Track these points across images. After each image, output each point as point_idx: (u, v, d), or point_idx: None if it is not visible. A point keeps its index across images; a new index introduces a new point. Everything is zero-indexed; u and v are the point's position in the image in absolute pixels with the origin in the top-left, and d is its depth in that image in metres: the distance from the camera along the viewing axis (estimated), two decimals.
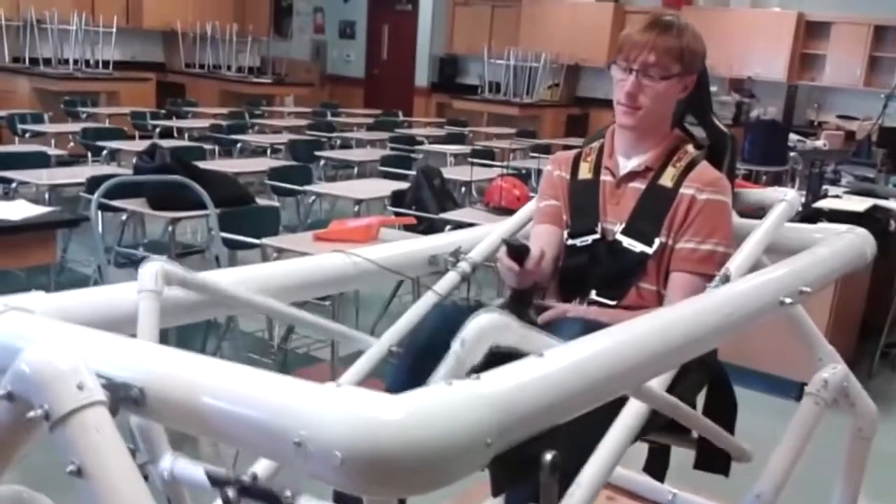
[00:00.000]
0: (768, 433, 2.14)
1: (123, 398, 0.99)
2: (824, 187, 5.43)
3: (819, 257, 2.08)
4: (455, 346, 1.23)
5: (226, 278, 1.81)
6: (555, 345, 1.31)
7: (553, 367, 1.18)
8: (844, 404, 2.37)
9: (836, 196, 5.44)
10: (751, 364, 4.24)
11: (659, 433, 2.14)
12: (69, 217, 3.52)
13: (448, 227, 4.99)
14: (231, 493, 1.25)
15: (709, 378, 2.13)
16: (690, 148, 2.19)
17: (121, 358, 1.06)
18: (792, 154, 5.95)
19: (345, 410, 0.94)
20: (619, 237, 2.12)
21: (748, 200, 2.39)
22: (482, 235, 2.46)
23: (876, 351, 5.27)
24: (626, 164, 2.18)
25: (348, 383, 2.01)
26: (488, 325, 1.21)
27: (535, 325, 1.93)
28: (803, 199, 5.08)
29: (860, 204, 5.16)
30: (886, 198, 5.66)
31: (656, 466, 2.32)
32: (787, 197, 2.27)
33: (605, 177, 2.21)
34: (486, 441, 0.99)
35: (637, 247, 2.10)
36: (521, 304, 2.00)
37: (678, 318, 1.54)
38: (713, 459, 2.10)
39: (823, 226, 2.44)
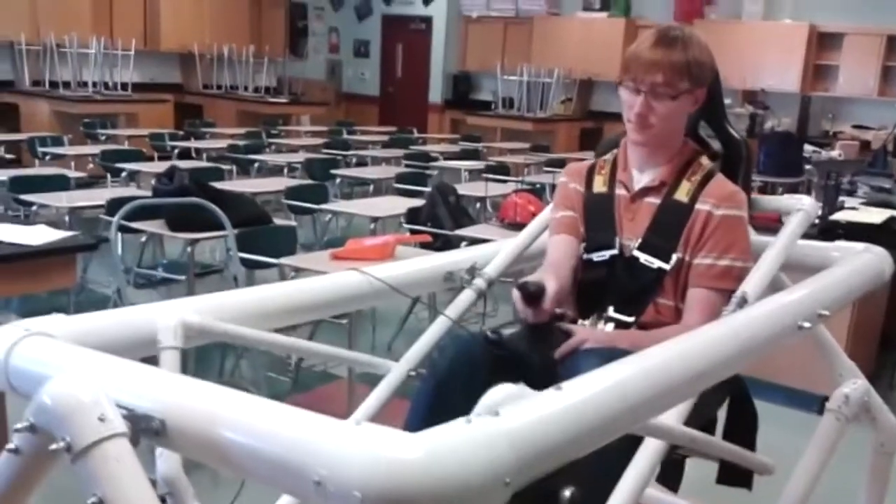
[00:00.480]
0: (790, 447, 2.14)
1: (144, 429, 0.99)
2: (841, 199, 5.40)
3: (837, 279, 2.07)
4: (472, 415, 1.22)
5: (244, 298, 1.83)
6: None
7: (571, 400, 1.18)
8: (866, 419, 2.36)
9: (853, 208, 5.41)
10: (772, 378, 4.22)
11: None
12: (89, 242, 3.54)
13: (464, 243, 5.00)
14: None
15: (729, 393, 2.12)
16: (705, 160, 2.18)
17: (142, 388, 1.07)
18: (808, 167, 5.92)
19: (364, 450, 0.94)
20: (637, 253, 2.11)
21: (765, 207, 2.37)
22: (497, 251, 2.45)
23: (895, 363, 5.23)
24: (640, 179, 2.17)
25: (369, 411, 2.04)
26: (502, 399, 1.21)
27: (551, 356, 1.94)
28: (820, 212, 5.06)
29: (877, 216, 5.13)
30: None
31: (670, 477, 2.30)
32: (803, 205, 2.24)
33: (620, 191, 2.19)
34: (504, 480, 0.99)
35: (654, 263, 2.09)
36: (538, 335, 1.99)
37: (695, 347, 1.53)
38: (736, 473, 2.09)
39: (841, 244, 2.41)
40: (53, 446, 0.94)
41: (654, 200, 2.14)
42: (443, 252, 2.67)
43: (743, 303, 1.90)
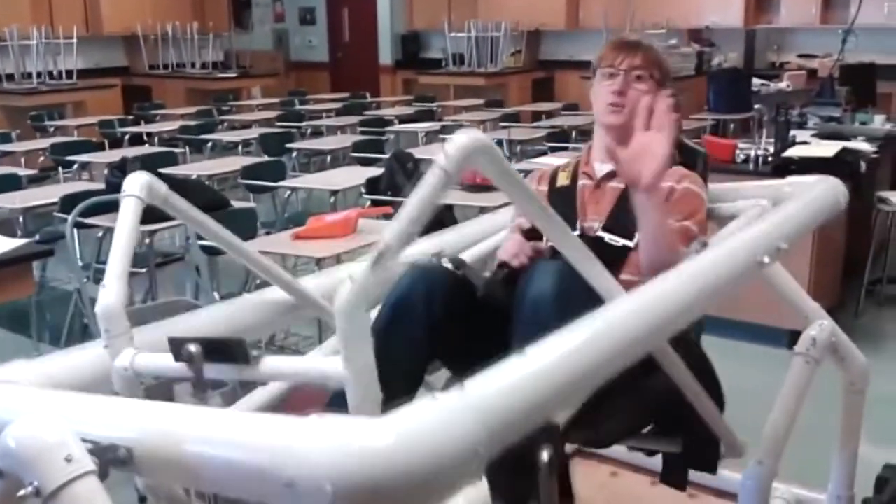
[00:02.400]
0: (761, 385, 2.16)
1: (112, 460, 0.98)
2: (792, 132, 5.43)
3: (793, 212, 2.09)
4: (438, 160, 1.27)
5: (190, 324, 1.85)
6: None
7: (534, 367, 1.17)
8: (834, 360, 2.39)
9: (805, 142, 5.45)
10: (738, 315, 4.24)
11: (644, 439, 2.16)
12: (43, 249, 3.47)
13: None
14: None
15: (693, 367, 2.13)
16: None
17: (106, 419, 1.06)
18: (757, 106, 5.94)
19: (329, 443, 0.92)
20: (601, 233, 2.17)
21: (723, 214, 2.40)
22: (459, 239, 2.47)
23: (860, 290, 5.32)
24: (603, 168, 2.26)
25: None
26: (471, 144, 1.21)
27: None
28: (772, 149, 5.10)
29: (829, 149, 5.17)
30: (854, 137, 5.68)
31: (676, 476, 2.30)
32: (761, 203, 2.31)
33: (583, 181, 2.28)
34: (476, 450, 0.98)
35: (619, 241, 2.14)
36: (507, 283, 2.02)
37: (658, 296, 1.53)
38: (700, 457, 2.11)
39: (794, 179, 2.44)
40: (21, 492, 0.93)
41: (618, 184, 2.21)
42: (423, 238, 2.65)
43: (703, 246, 1.92)
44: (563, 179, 2.34)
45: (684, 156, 2.39)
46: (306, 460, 0.92)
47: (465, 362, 2.04)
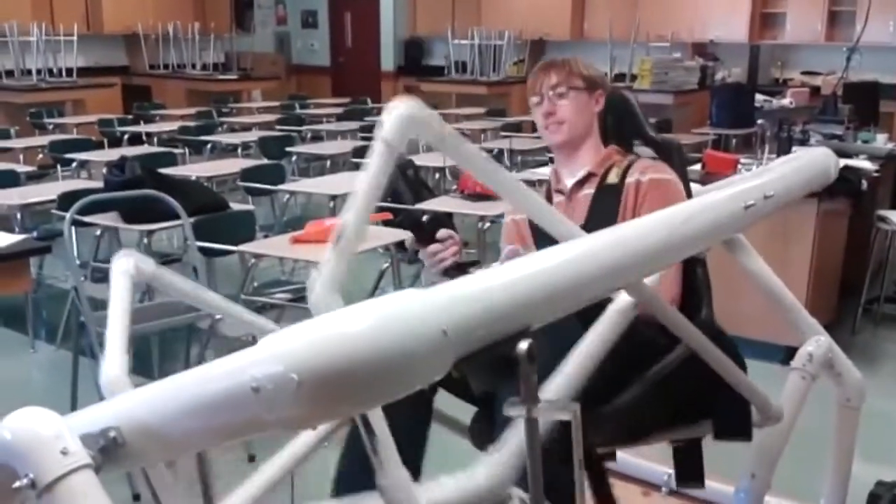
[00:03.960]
0: None
1: (105, 448, 0.98)
2: (794, 148, 5.43)
3: (782, 170, 2.06)
4: (379, 130, 1.29)
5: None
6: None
7: (513, 275, 1.13)
8: (830, 376, 2.38)
9: None
10: (735, 330, 4.23)
11: (675, 429, 2.16)
12: (41, 245, 3.47)
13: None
14: None
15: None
16: (630, 155, 2.35)
17: (95, 412, 1.06)
18: (759, 122, 5.96)
19: (289, 334, 0.89)
20: None
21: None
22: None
23: (857, 307, 5.31)
24: (573, 176, 2.33)
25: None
26: (407, 112, 1.22)
27: None
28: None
29: None
30: (856, 155, 5.68)
31: (691, 474, 2.29)
32: None
33: (558, 198, 2.35)
34: (441, 329, 0.94)
35: None
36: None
37: (644, 226, 1.47)
38: (735, 426, 2.10)
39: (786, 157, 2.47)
40: (17, 484, 0.92)
41: (589, 191, 2.28)
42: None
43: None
44: None
45: (658, 151, 2.42)
46: (267, 355, 0.88)
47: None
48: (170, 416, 0.99)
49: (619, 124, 2.44)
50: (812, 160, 2.22)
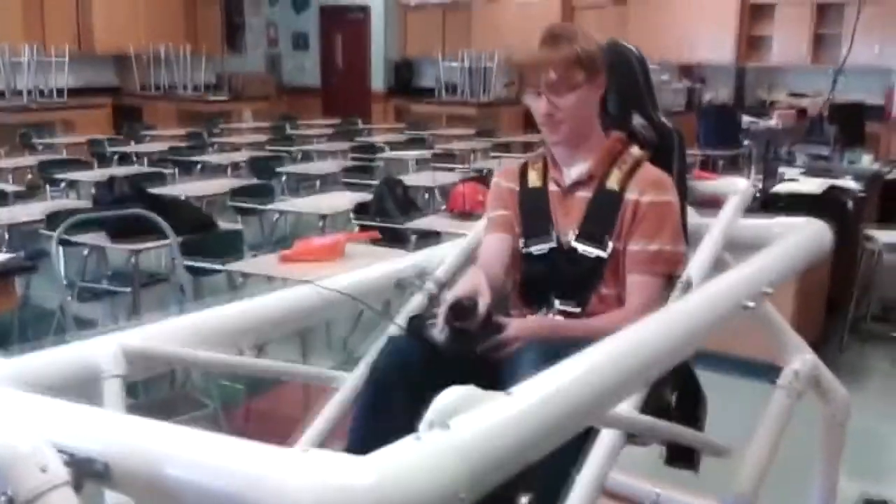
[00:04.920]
0: (744, 419, 2.15)
1: (88, 473, 0.97)
2: (780, 169, 5.47)
3: (778, 255, 2.10)
4: (422, 428, 1.15)
5: (185, 323, 1.79)
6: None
7: (522, 405, 1.16)
8: (817, 393, 2.39)
9: (793, 179, 5.48)
10: (720, 348, 4.24)
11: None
12: (27, 264, 3.46)
13: (414, 236, 5.00)
14: None
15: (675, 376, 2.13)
16: (634, 150, 2.21)
17: (83, 430, 1.05)
18: (746, 143, 5.99)
19: (312, 478, 0.91)
20: (574, 244, 2.14)
21: (702, 192, 2.41)
22: (444, 254, 2.46)
23: (844, 326, 5.32)
24: (570, 174, 2.21)
25: (326, 425, 2.01)
26: (453, 404, 1.18)
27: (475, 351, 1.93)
28: (760, 185, 5.13)
29: (817, 186, 5.21)
30: (842, 175, 5.72)
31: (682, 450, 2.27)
32: (738, 188, 2.28)
33: (553, 187, 2.23)
34: (459, 496, 0.97)
35: (592, 252, 2.12)
36: (465, 337, 1.94)
37: (642, 338, 1.52)
38: (683, 455, 2.09)
39: (781, 220, 2.44)
40: None
41: (586, 194, 2.18)
42: (392, 260, 2.65)
43: (688, 286, 1.91)
44: (534, 179, 2.27)
45: (659, 136, 2.31)
46: (286, 494, 0.91)
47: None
48: (170, 481, 0.99)
49: (621, 90, 2.27)
50: (807, 237, 2.23)
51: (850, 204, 5.17)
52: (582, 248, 2.13)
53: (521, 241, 2.22)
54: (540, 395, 1.21)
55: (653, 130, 2.32)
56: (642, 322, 1.59)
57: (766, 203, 4.92)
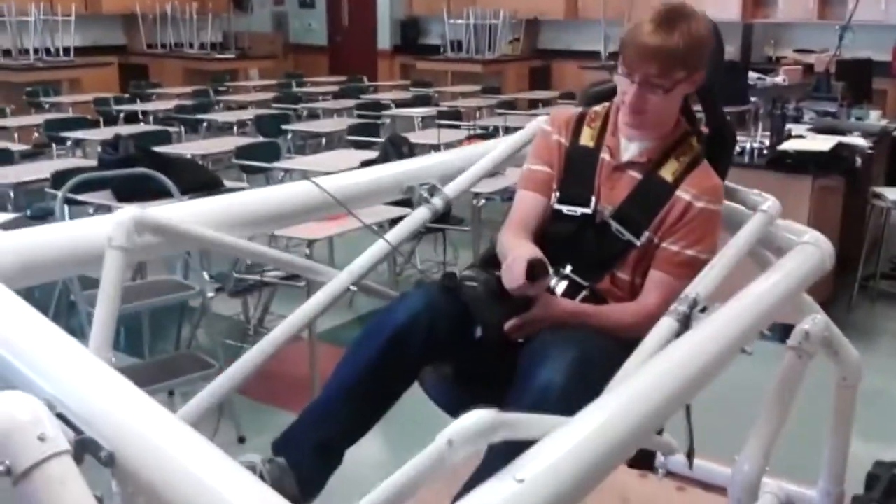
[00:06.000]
0: (752, 378, 2.13)
1: (92, 453, 0.95)
2: (787, 126, 5.41)
3: (779, 292, 1.99)
4: (440, 443, 1.14)
5: (194, 209, 1.85)
6: (558, 422, 1.28)
7: (531, 493, 1.12)
8: (828, 355, 2.37)
9: (800, 136, 5.43)
10: None
11: None
12: (32, 225, 3.43)
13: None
14: None
15: None
16: (695, 142, 2.12)
17: (94, 408, 1.03)
18: (753, 99, 5.91)
19: None
20: (610, 221, 2.04)
21: (730, 199, 2.25)
22: (459, 165, 2.39)
23: (853, 285, 5.30)
24: (628, 148, 2.09)
25: (305, 317, 2.02)
26: (479, 426, 1.13)
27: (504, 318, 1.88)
28: (768, 143, 5.08)
29: (825, 143, 5.15)
30: (849, 132, 5.66)
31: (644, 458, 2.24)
32: (767, 207, 2.17)
33: (605, 154, 2.11)
34: None
35: (625, 235, 2.03)
36: (497, 292, 1.89)
37: (637, 396, 1.45)
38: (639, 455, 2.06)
39: (785, 224, 2.32)
40: None
41: (638, 174, 2.07)
42: (401, 163, 2.60)
43: (694, 304, 1.84)
44: (587, 138, 2.14)
45: (714, 130, 2.20)
46: None
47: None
48: (176, 490, 0.98)
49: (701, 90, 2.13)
50: (808, 259, 2.16)
51: (858, 161, 5.12)
52: (616, 227, 2.03)
53: (555, 196, 2.11)
54: (553, 483, 1.16)
55: (707, 121, 2.22)
56: (634, 380, 1.52)
57: (774, 160, 4.88)
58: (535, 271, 1.83)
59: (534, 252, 1.90)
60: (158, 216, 1.72)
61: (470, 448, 1.14)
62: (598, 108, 2.19)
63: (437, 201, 2.25)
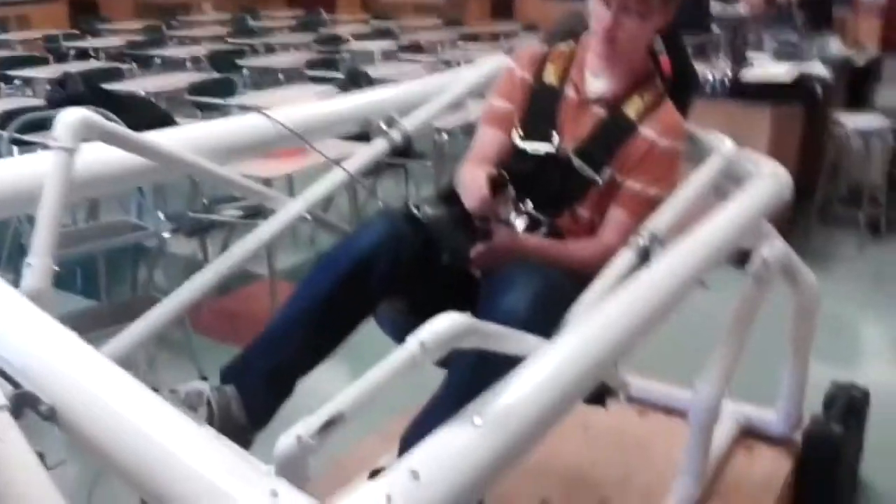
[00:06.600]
0: (707, 303, 2.12)
1: (32, 408, 0.92)
2: (749, 55, 5.39)
3: (736, 225, 2.00)
4: (412, 345, 1.14)
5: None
6: (526, 338, 1.29)
7: (490, 437, 1.12)
8: (786, 281, 2.38)
9: (762, 66, 5.42)
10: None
11: None
12: None
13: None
14: None
15: None
16: (658, 82, 2.11)
17: (30, 361, 0.99)
18: (714, 29, 5.87)
19: None
20: (572, 157, 2.03)
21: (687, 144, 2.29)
22: (420, 99, 2.36)
23: (811, 211, 5.33)
24: (594, 84, 2.07)
25: (257, 242, 2.00)
26: (451, 332, 1.13)
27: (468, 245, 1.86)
28: (729, 73, 5.06)
29: (786, 74, 5.15)
30: (811, 61, 5.65)
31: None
32: (722, 150, 2.18)
33: (570, 91, 2.10)
34: None
35: (587, 171, 2.02)
36: (461, 221, 1.88)
37: (599, 331, 1.46)
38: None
39: (748, 154, 2.31)
40: None
41: (601, 111, 2.06)
42: (360, 94, 2.55)
43: (653, 239, 1.83)
44: (550, 75, 2.13)
45: (677, 70, 2.20)
46: None
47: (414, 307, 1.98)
48: (121, 449, 0.95)
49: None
50: (767, 193, 2.15)
51: (818, 90, 5.12)
52: (578, 164, 2.02)
53: (518, 134, 2.10)
54: (509, 425, 1.17)
55: (671, 61, 2.19)
56: (594, 315, 1.53)
57: (734, 90, 4.86)
58: (495, 185, 1.83)
59: (491, 171, 1.89)
60: (106, 124, 1.66)
61: (441, 351, 1.14)
62: (563, 46, 2.18)
63: (395, 133, 2.23)
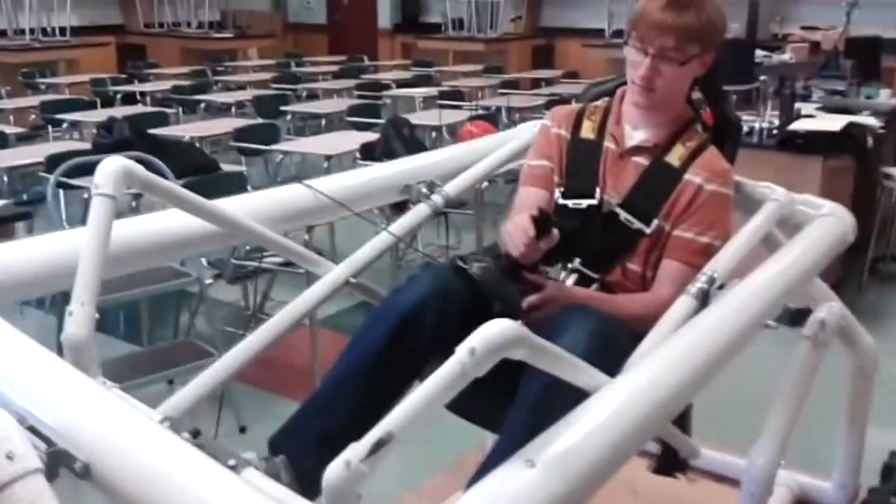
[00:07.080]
0: (762, 364, 2.06)
1: (66, 467, 0.88)
2: (796, 106, 5.32)
3: (801, 265, 1.94)
4: (461, 353, 1.09)
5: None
6: (565, 357, 1.22)
7: (548, 480, 1.06)
8: (843, 343, 2.30)
9: (810, 115, 5.34)
10: None
11: None
12: (19, 211, 3.36)
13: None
14: None
15: None
16: (700, 129, 2.08)
17: (62, 416, 0.96)
18: (761, 78, 5.81)
19: None
20: (618, 210, 1.99)
21: (739, 192, 2.20)
22: (458, 165, 2.34)
23: (863, 266, 5.22)
24: (633, 136, 2.05)
25: (306, 305, 1.94)
26: (502, 338, 1.08)
27: (517, 299, 1.82)
28: (776, 122, 4.99)
29: (835, 123, 5.06)
30: (859, 111, 5.57)
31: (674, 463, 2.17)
32: (778, 196, 2.11)
33: (609, 143, 2.06)
34: None
35: (634, 223, 1.97)
36: (508, 274, 1.84)
37: (655, 379, 1.38)
38: (672, 462, 1.97)
39: (805, 198, 2.26)
40: None
41: (644, 161, 2.02)
42: (401, 160, 2.54)
43: (712, 282, 1.78)
44: (587, 130, 2.10)
45: (718, 121, 2.18)
46: None
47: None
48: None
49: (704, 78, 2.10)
50: (829, 235, 2.09)
51: (869, 141, 5.03)
52: (624, 216, 1.98)
53: (559, 192, 2.06)
54: (566, 468, 1.11)
55: (711, 112, 2.18)
56: (649, 361, 1.45)
57: (784, 141, 4.79)
58: (541, 226, 1.78)
59: (533, 212, 1.84)
60: (149, 175, 1.63)
61: (493, 358, 1.08)
62: (598, 102, 2.16)
63: (437, 198, 2.20)
